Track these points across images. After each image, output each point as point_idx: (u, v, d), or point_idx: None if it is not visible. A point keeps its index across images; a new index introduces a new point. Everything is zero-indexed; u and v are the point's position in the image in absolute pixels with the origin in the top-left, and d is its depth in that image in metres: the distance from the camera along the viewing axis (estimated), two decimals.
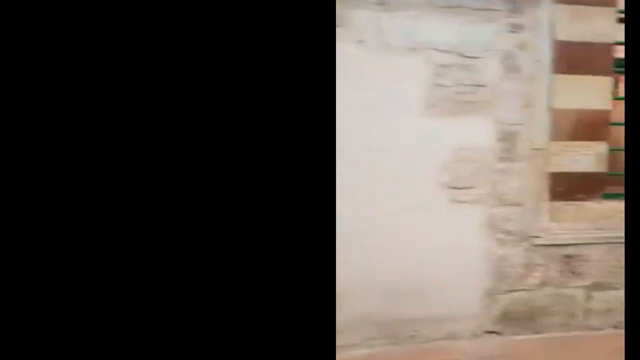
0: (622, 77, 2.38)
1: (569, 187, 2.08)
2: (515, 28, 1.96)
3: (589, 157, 2.06)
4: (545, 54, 1.97)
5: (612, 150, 2.13)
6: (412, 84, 1.95)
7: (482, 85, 1.97)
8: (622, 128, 2.21)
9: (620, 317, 2.18)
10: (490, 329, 2.11)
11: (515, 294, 2.12)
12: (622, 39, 2.11)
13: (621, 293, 2.17)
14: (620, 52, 2.16)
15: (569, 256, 2.13)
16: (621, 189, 2.20)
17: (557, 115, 2.02)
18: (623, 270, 2.15)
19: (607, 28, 1.99)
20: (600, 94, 2.03)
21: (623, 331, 2.15)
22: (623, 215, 2.11)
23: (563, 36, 1.97)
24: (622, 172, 2.32)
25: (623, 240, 2.09)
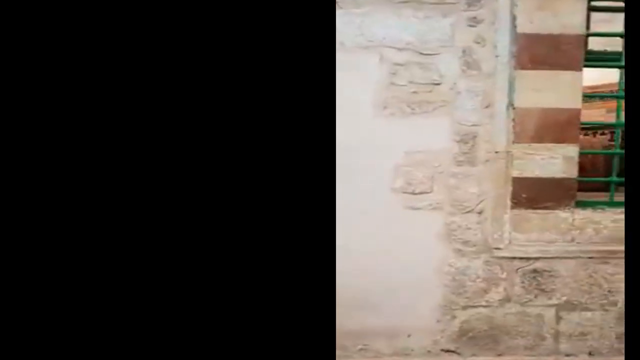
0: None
1: (534, 194, 1.89)
2: (474, 22, 1.81)
3: (557, 161, 1.87)
4: (507, 48, 1.81)
5: (584, 154, 1.93)
6: (366, 84, 1.82)
7: (439, 84, 1.83)
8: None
9: (595, 343, 1.96)
10: (447, 347, 1.92)
11: (474, 310, 1.93)
12: (594, 29, 1.94)
13: (596, 315, 1.96)
14: (593, 44, 1.99)
15: (535, 271, 1.93)
16: (595, 196, 2.01)
17: (520, 115, 1.85)
18: (598, 289, 1.94)
19: (577, 18, 1.81)
20: (569, 91, 1.85)
21: (597, 359, 1.94)
22: (597, 226, 1.92)
23: (526, 28, 1.81)
24: (596, 177, 2.13)
25: (597, 255, 1.90)
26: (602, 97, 2.25)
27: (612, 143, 4.48)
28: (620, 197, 1.99)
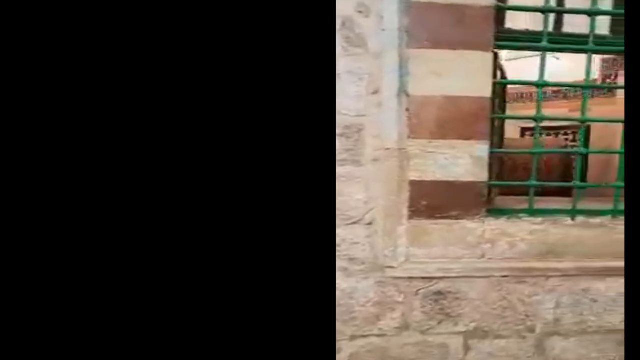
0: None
1: (436, 201, 1.55)
2: None
3: (464, 162, 1.54)
4: (396, 20, 1.45)
5: (495, 153, 1.60)
6: None
7: None
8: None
9: None
10: None
11: (364, 341, 1.60)
12: (507, 2, 1.59)
13: (511, 343, 1.64)
14: (511, 22, 1.64)
15: (439, 293, 1.60)
16: (512, 203, 1.68)
17: (417, 105, 1.50)
18: (513, 313, 1.63)
19: None
20: (477, 76, 1.50)
21: None
22: (512, 239, 1.59)
23: None
24: (512, 181, 1.80)
25: (512, 273, 1.59)
26: (519, 84, 1.89)
27: (574, 144, 4.21)
28: (541, 202, 1.67)
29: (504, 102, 1.99)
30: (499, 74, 1.73)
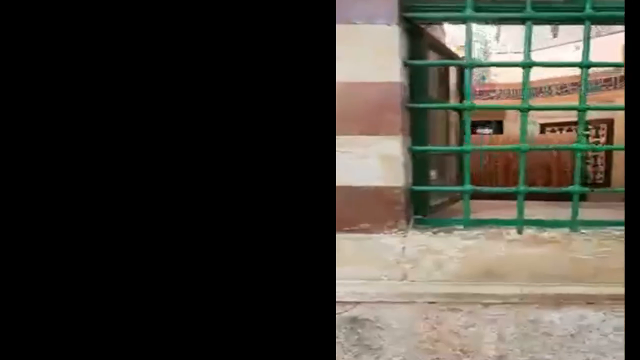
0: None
1: (343, 210, 1.29)
2: None
3: (372, 162, 1.26)
4: None
5: (418, 151, 1.30)
6: None
7: None
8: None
9: None
10: None
11: None
12: None
13: None
14: None
15: (354, 320, 1.33)
16: (439, 213, 1.38)
17: None
18: (445, 347, 1.32)
19: None
20: (381, 56, 1.22)
21: None
22: (438, 256, 1.29)
23: None
24: (440, 185, 1.48)
25: (441, 299, 1.30)
26: (435, 65, 1.48)
27: (596, 139, 3.73)
28: (481, 211, 1.35)
29: (460, 90, 1.66)
30: (432, 54, 1.42)
